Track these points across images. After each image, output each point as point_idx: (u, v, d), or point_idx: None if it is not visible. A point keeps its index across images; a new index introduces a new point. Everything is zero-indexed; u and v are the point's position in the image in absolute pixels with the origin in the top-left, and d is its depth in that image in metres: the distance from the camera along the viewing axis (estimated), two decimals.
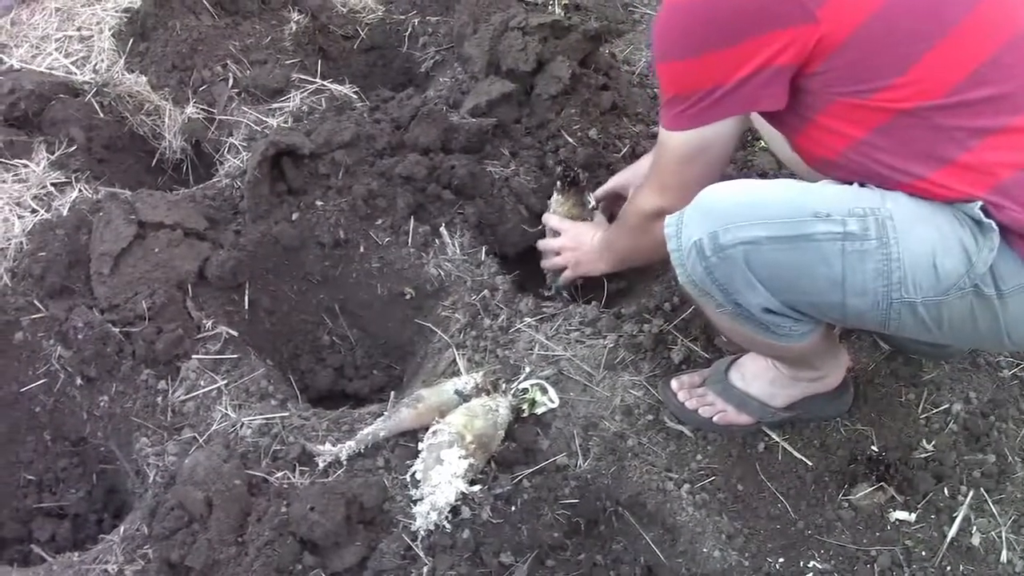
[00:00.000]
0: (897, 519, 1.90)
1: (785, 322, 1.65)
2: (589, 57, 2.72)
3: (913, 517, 1.90)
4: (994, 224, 1.49)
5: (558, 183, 2.32)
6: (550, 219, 2.34)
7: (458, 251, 2.37)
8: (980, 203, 1.49)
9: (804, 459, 1.98)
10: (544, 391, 2.01)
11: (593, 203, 2.33)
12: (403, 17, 3.17)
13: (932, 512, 1.91)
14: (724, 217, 1.54)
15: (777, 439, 2.01)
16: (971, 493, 1.93)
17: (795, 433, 2.03)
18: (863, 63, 1.49)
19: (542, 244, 2.36)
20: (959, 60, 1.47)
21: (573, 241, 2.25)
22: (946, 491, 1.94)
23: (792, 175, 2.18)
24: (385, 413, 1.96)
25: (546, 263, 2.35)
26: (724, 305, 1.64)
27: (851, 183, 1.61)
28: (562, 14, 3.08)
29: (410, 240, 2.38)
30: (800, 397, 1.98)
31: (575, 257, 2.25)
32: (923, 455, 1.99)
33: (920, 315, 1.54)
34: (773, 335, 1.69)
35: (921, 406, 2.07)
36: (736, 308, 1.63)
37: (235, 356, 2.13)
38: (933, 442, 2.01)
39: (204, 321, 2.16)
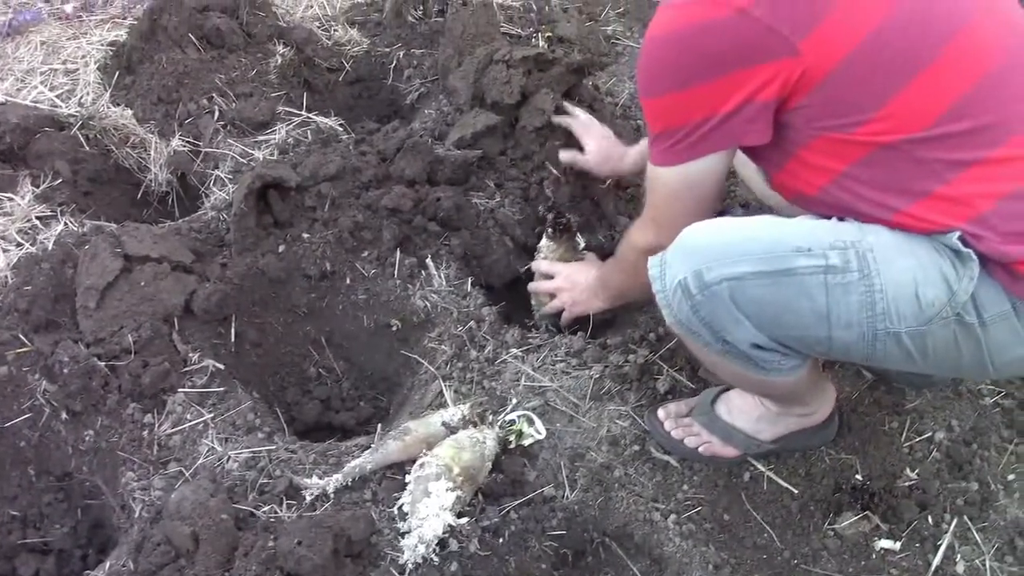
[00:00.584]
0: (882, 548, 1.91)
1: (773, 357, 1.66)
2: (573, 89, 2.74)
3: (898, 546, 1.91)
4: (973, 253, 1.51)
5: (549, 230, 2.32)
6: (540, 264, 2.36)
7: (444, 282, 2.38)
8: (958, 233, 1.52)
9: (790, 488, 1.99)
10: (531, 422, 2.02)
11: (583, 245, 2.35)
12: (388, 50, 3.20)
13: (917, 540, 1.92)
14: (707, 255, 1.56)
15: (762, 469, 2.02)
16: (955, 521, 1.94)
17: (780, 462, 2.04)
18: (846, 97, 1.51)
19: (534, 287, 2.36)
20: (938, 94, 1.49)
21: (567, 282, 2.27)
22: (930, 519, 1.95)
23: (770, 210, 2.21)
24: (372, 446, 1.96)
25: (546, 309, 2.35)
26: (712, 343, 1.65)
27: (830, 217, 1.63)
28: (546, 47, 3.12)
29: (396, 272, 2.39)
30: (786, 432, 1.99)
31: (571, 298, 2.26)
32: (907, 483, 2.00)
33: (905, 345, 1.55)
34: (762, 371, 1.70)
35: (904, 434, 2.09)
36: (724, 346, 1.64)
37: (221, 389, 2.12)
38: (917, 470, 2.02)
39: (190, 354, 2.16)
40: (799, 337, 1.61)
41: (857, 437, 2.09)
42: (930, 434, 2.09)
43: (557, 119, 2.53)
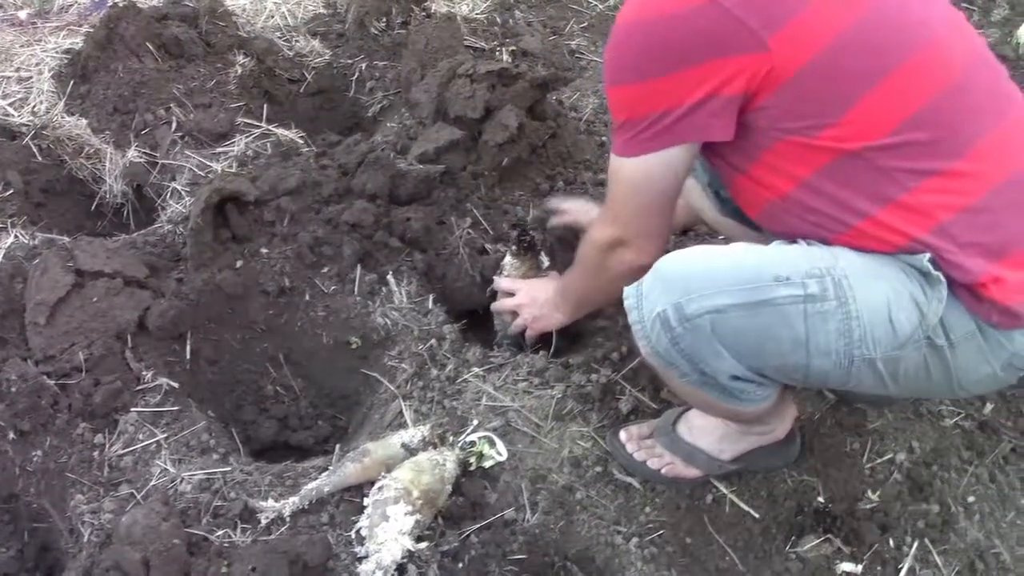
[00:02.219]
0: (844, 571, 1.90)
1: (749, 387, 1.65)
2: (536, 105, 2.73)
3: (860, 569, 1.91)
4: (942, 276, 1.52)
5: (513, 247, 2.29)
6: (501, 282, 2.32)
7: (405, 299, 2.35)
8: (928, 255, 1.52)
9: (751, 511, 1.97)
10: (492, 444, 1.99)
11: (547, 263, 2.32)
12: (350, 61, 3.17)
13: (878, 563, 1.92)
14: (686, 286, 1.54)
15: (725, 491, 2.00)
16: (916, 544, 1.94)
17: (743, 484, 2.03)
18: (810, 98, 1.50)
19: (496, 307, 2.33)
20: (900, 102, 1.50)
21: (527, 298, 2.24)
22: (891, 542, 1.95)
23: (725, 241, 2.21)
24: (330, 467, 1.92)
25: (512, 329, 2.31)
26: (689, 375, 1.64)
27: (795, 240, 1.63)
28: (510, 60, 3.11)
29: (356, 288, 2.35)
30: (748, 450, 1.98)
31: (531, 313, 2.23)
32: (868, 506, 2.00)
33: (879, 370, 1.55)
34: (736, 400, 1.69)
35: (866, 456, 2.09)
36: (702, 377, 1.63)
37: (175, 408, 2.07)
38: (878, 492, 2.02)
39: (144, 372, 2.10)
40: (778, 366, 1.60)
41: (819, 459, 2.08)
42: (891, 455, 2.09)
43: (552, 223, 2.45)
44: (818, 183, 1.57)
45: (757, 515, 1.97)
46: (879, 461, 2.08)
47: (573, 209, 2.40)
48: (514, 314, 2.27)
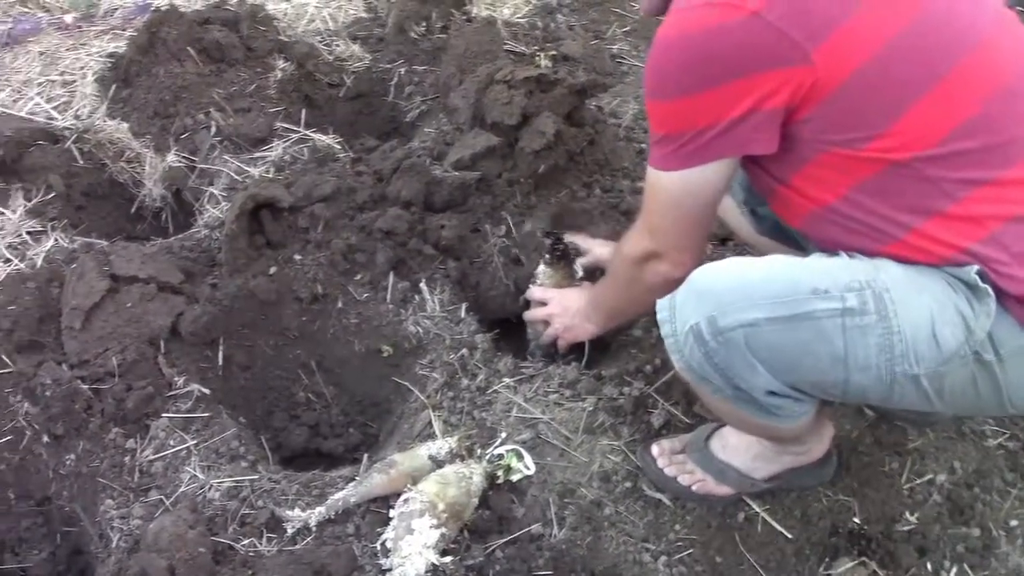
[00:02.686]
0: None
1: (786, 403, 1.62)
2: (575, 111, 2.69)
3: None
4: (990, 289, 1.47)
5: (546, 255, 2.27)
6: (533, 292, 2.30)
7: (437, 308, 2.34)
8: (976, 268, 1.47)
9: (784, 531, 1.93)
10: (520, 457, 1.97)
11: (581, 274, 2.29)
12: (390, 66, 3.16)
13: None
14: (720, 300, 1.51)
15: (757, 509, 1.96)
16: (954, 569, 1.89)
17: (776, 503, 1.98)
18: (856, 110, 1.46)
19: (528, 316, 2.31)
20: (950, 110, 1.45)
21: (559, 307, 2.21)
22: (929, 566, 1.89)
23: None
24: (357, 478, 1.91)
25: (543, 339, 2.28)
26: (723, 389, 1.60)
27: (837, 252, 1.58)
28: (549, 65, 3.07)
29: (389, 296, 2.34)
30: (782, 470, 1.94)
31: (563, 323, 2.20)
32: (906, 527, 1.95)
33: (923, 387, 1.51)
34: (773, 417, 1.66)
35: (905, 476, 2.03)
36: (736, 392, 1.60)
37: (206, 415, 2.08)
38: (916, 514, 1.97)
39: (176, 378, 2.11)
40: (815, 382, 1.56)
41: (856, 478, 2.03)
42: (931, 476, 2.04)
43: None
44: (863, 194, 1.52)
45: (790, 535, 1.93)
46: (918, 482, 2.03)
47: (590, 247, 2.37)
48: (546, 323, 2.25)
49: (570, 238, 2.34)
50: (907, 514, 1.97)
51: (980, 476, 2.05)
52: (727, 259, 1.62)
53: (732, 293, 1.51)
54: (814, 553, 1.92)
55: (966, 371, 1.51)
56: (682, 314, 1.56)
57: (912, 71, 1.44)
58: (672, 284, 1.63)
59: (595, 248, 2.35)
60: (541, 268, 2.28)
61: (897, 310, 1.46)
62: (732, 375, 1.57)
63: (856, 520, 1.96)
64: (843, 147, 1.50)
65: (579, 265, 2.30)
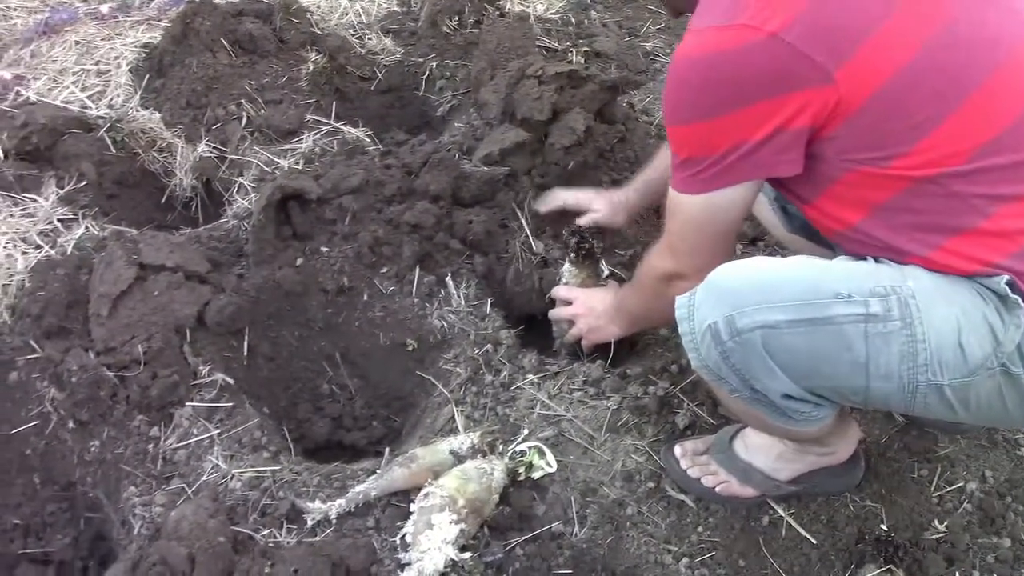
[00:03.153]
0: None
1: (804, 407, 1.59)
2: (606, 108, 2.68)
3: None
4: (1021, 300, 1.43)
5: (571, 254, 2.25)
6: (559, 290, 2.28)
7: (463, 303, 2.33)
8: (1007, 277, 1.43)
9: (809, 536, 1.90)
10: (542, 454, 1.96)
11: (607, 272, 2.28)
12: (421, 60, 3.16)
13: None
14: (740, 299, 1.48)
15: (782, 513, 1.93)
16: None
17: (802, 507, 1.95)
18: (882, 127, 1.43)
19: (553, 315, 2.29)
20: (978, 126, 1.41)
21: (584, 308, 2.20)
22: (958, 575, 1.86)
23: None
24: (378, 471, 1.91)
25: (568, 339, 2.27)
26: (740, 391, 1.58)
27: (864, 257, 1.55)
28: (581, 61, 3.06)
29: (415, 290, 2.33)
30: (807, 470, 1.90)
31: (587, 324, 2.19)
32: (935, 536, 1.91)
33: (947, 397, 1.47)
34: (790, 420, 1.63)
35: (934, 483, 1.99)
36: (752, 393, 1.57)
37: (230, 404, 2.08)
38: (945, 523, 1.93)
39: (200, 367, 2.12)
40: (834, 387, 1.53)
41: (884, 484, 1.99)
42: (962, 484, 1.99)
43: (547, 209, 2.49)
44: (889, 213, 1.49)
45: (815, 541, 1.90)
46: (948, 490, 1.99)
47: (562, 196, 2.44)
48: (571, 322, 2.23)
49: (562, 195, 2.40)
50: (936, 522, 1.93)
51: (1012, 486, 2.00)
52: (749, 258, 1.59)
53: (751, 293, 1.48)
54: (839, 559, 1.89)
55: (993, 383, 1.47)
56: (700, 312, 1.53)
57: (940, 87, 1.41)
58: None
59: (592, 203, 2.38)
60: (567, 267, 2.27)
61: (923, 318, 1.42)
62: (749, 376, 1.54)
63: (883, 527, 1.93)
64: (868, 165, 1.47)
65: (605, 264, 2.27)
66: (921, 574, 1.85)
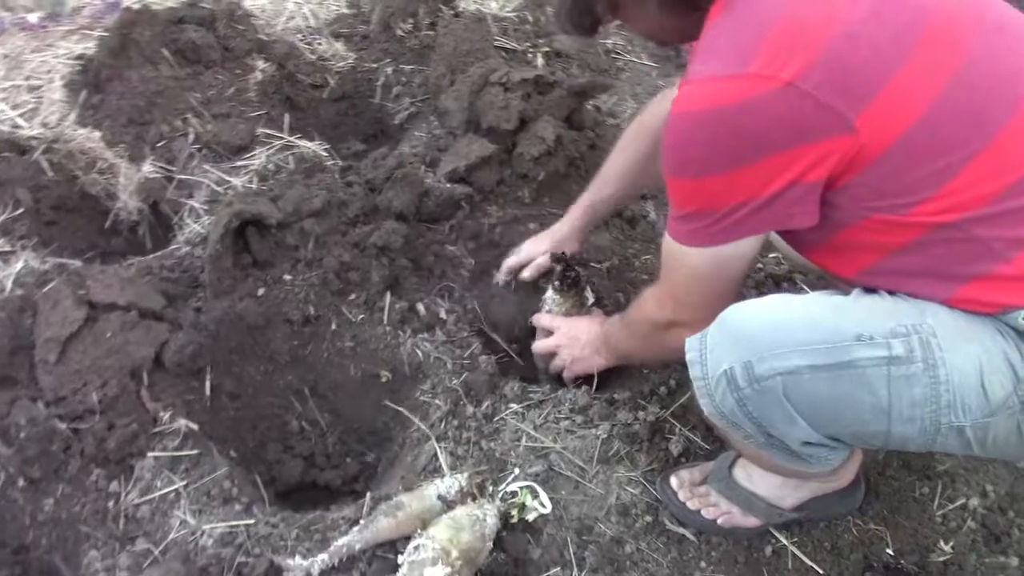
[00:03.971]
0: None
1: (821, 452, 1.52)
2: (575, 114, 2.57)
3: None
4: None
5: (556, 282, 2.12)
6: (541, 319, 2.18)
7: (438, 329, 2.20)
8: (1023, 312, 1.36)
9: (815, 566, 1.83)
10: (535, 495, 1.85)
11: (592, 300, 2.17)
12: (375, 65, 3.01)
13: None
14: (757, 344, 1.39)
15: (785, 542, 1.86)
16: None
17: (804, 534, 1.88)
18: (903, 175, 1.34)
19: (537, 347, 2.18)
20: (1003, 167, 1.34)
21: (567, 338, 2.09)
22: None
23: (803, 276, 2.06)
24: (361, 522, 1.78)
25: (551, 370, 2.16)
26: (755, 437, 1.50)
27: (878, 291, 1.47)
28: (543, 63, 2.95)
29: (386, 317, 2.21)
30: (810, 497, 1.83)
31: (571, 355, 2.08)
32: (941, 558, 1.85)
33: (967, 437, 1.40)
34: (803, 463, 1.56)
35: (936, 501, 1.94)
36: (768, 439, 1.49)
37: (195, 452, 1.93)
38: (951, 543, 1.87)
39: (161, 413, 1.96)
40: (855, 433, 1.46)
41: (886, 505, 1.93)
42: (963, 501, 1.94)
43: (504, 280, 2.33)
44: (904, 259, 1.42)
45: (822, 571, 1.82)
46: (951, 507, 1.93)
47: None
48: (553, 353, 2.12)
49: (506, 263, 2.28)
50: (941, 543, 1.88)
51: (1014, 500, 1.96)
52: (763, 298, 1.49)
53: (770, 337, 1.40)
54: None
55: (1012, 421, 1.40)
56: (714, 357, 1.45)
57: (964, 130, 1.33)
58: None
59: (536, 250, 2.26)
60: (550, 294, 2.14)
61: (945, 358, 1.35)
62: (766, 424, 1.47)
63: (889, 551, 1.86)
64: (886, 212, 1.38)
65: (590, 292, 2.16)
66: None
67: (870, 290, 1.47)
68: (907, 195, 1.35)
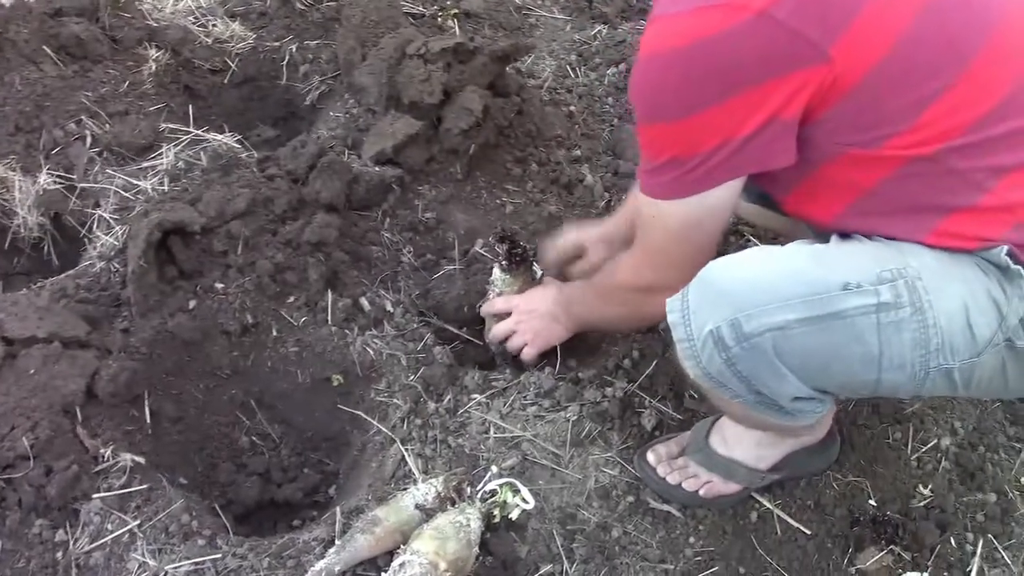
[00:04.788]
0: None
1: (809, 405, 1.48)
2: (498, 80, 2.46)
3: None
4: (1022, 270, 1.35)
5: (503, 261, 2.01)
6: (494, 304, 2.05)
7: (386, 324, 2.09)
8: (1006, 248, 1.34)
9: (802, 528, 1.80)
10: (516, 491, 1.77)
11: (541, 273, 2.07)
12: (277, 44, 2.83)
13: (944, 568, 1.77)
14: (743, 301, 1.33)
15: (769, 506, 1.83)
16: (980, 542, 1.80)
17: (786, 495, 1.86)
18: (878, 106, 1.30)
19: (496, 331, 2.04)
20: (978, 96, 1.31)
21: (525, 313, 2.00)
22: (953, 541, 1.80)
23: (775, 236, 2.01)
24: (337, 542, 1.68)
25: (510, 349, 2.04)
26: (744, 395, 1.44)
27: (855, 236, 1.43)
28: (455, 26, 2.82)
29: (329, 316, 2.08)
30: (788, 452, 1.80)
31: (531, 328, 1.99)
32: (922, 502, 1.86)
33: (954, 379, 1.38)
34: (791, 418, 1.51)
35: (910, 445, 1.94)
36: (757, 397, 1.44)
37: (144, 487, 1.79)
38: (929, 486, 1.88)
39: (101, 449, 1.81)
40: (843, 383, 1.43)
41: (862, 455, 1.93)
42: (935, 441, 1.95)
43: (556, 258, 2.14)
44: (878, 197, 1.38)
45: (808, 532, 1.81)
46: (924, 450, 1.94)
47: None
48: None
49: (563, 243, 2.11)
50: (920, 487, 1.89)
51: (982, 434, 1.98)
52: (742, 252, 1.43)
53: (756, 292, 1.34)
54: (837, 546, 1.81)
55: (997, 359, 1.40)
56: (698, 317, 1.39)
57: (937, 57, 1.29)
58: None
59: (595, 248, 2.10)
60: (497, 275, 2.03)
61: (932, 300, 1.32)
62: (756, 382, 1.41)
63: (872, 502, 1.86)
64: (860, 148, 1.35)
65: (537, 267, 2.07)
66: (917, 545, 1.79)
67: (846, 236, 1.43)
68: (882, 127, 1.31)
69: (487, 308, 2.07)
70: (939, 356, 1.34)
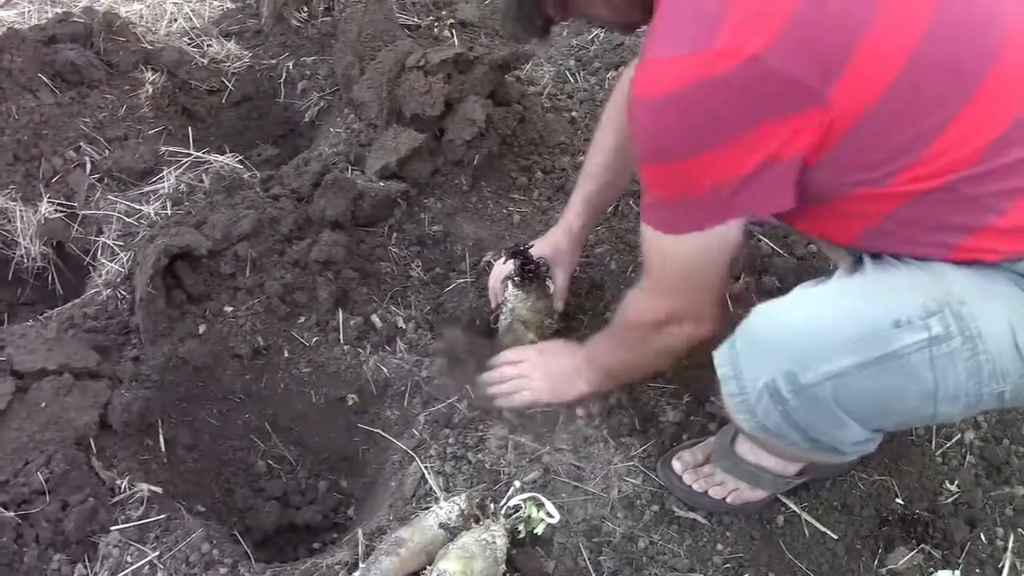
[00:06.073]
0: None
1: (864, 445, 1.46)
2: (499, 89, 2.44)
3: (958, 575, 1.74)
4: None
5: (516, 278, 1.97)
6: (506, 356, 1.99)
7: (399, 341, 2.07)
8: None
9: (829, 532, 1.78)
10: (540, 505, 1.75)
11: (553, 288, 2.04)
12: (274, 62, 2.81)
13: (976, 565, 1.75)
14: (796, 350, 1.32)
15: (796, 509, 1.81)
16: (1010, 537, 1.78)
17: (812, 497, 1.84)
18: (881, 144, 1.29)
19: (504, 374, 1.96)
20: (985, 123, 1.28)
21: (540, 371, 1.93)
22: (983, 537, 1.78)
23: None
24: (361, 565, 1.66)
25: (516, 403, 1.95)
26: (800, 443, 1.43)
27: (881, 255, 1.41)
28: (451, 36, 2.80)
29: (341, 336, 2.06)
30: (812, 458, 1.78)
31: (547, 386, 1.92)
32: (949, 499, 1.83)
33: (1005, 399, 1.36)
34: (841, 456, 1.50)
35: (934, 441, 1.92)
36: (814, 444, 1.42)
37: (163, 517, 1.77)
38: (956, 481, 1.85)
39: (118, 481, 1.79)
40: (902, 421, 1.43)
41: (886, 453, 1.90)
42: (959, 436, 1.92)
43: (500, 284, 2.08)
44: (898, 219, 1.36)
45: (836, 535, 1.78)
46: (948, 445, 1.91)
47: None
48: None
49: (497, 270, 2.09)
50: (947, 483, 1.86)
51: (1006, 427, 1.96)
52: (785, 297, 1.41)
53: (808, 340, 1.32)
54: (866, 547, 1.78)
55: None
56: (751, 370, 1.37)
57: (941, 87, 1.27)
58: (695, 343, 1.51)
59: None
60: (511, 291, 2.00)
61: (979, 326, 1.29)
62: (815, 432, 1.40)
63: (899, 500, 1.83)
64: (868, 187, 1.33)
65: (550, 282, 2.03)
66: (947, 543, 1.77)
67: (877, 257, 1.41)
68: (888, 163, 1.30)
69: (502, 359, 2.00)
70: (992, 382, 1.32)
